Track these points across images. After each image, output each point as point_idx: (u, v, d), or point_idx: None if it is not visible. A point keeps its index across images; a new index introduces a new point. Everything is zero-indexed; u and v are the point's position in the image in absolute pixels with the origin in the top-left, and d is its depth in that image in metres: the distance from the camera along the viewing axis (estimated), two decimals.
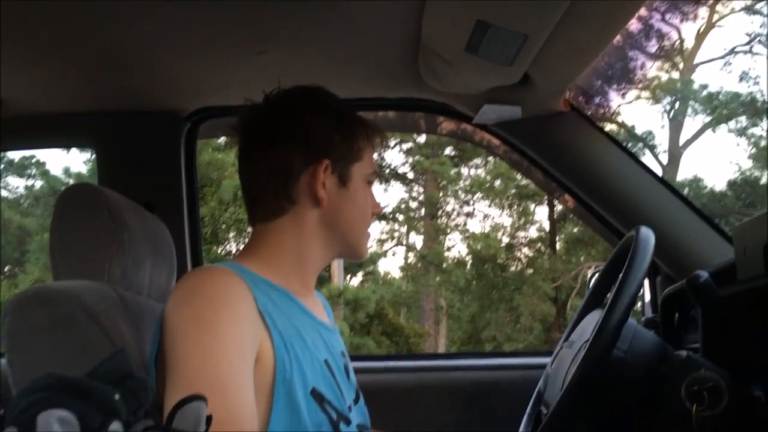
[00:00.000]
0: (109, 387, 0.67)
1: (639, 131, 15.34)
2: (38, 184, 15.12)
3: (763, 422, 1.04)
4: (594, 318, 1.22)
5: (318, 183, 1.15)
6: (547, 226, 14.83)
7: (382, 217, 15.07)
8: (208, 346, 0.95)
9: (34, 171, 15.23)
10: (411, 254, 16.37)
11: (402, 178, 15.22)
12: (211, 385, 0.87)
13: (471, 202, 14.96)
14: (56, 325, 1.04)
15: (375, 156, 1.27)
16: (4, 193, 15.55)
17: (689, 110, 15.05)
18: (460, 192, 14.90)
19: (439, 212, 14.87)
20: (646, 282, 1.82)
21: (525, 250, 15.15)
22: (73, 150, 14.18)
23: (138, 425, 0.68)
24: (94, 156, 2.14)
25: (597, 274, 1.49)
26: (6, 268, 14.01)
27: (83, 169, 13.85)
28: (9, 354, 1.04)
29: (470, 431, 1.79)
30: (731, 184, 14.77)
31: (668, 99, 15.02)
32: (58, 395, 0.62)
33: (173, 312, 1.02)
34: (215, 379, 0.91)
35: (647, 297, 1.85)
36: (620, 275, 1.09)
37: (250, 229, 1.25)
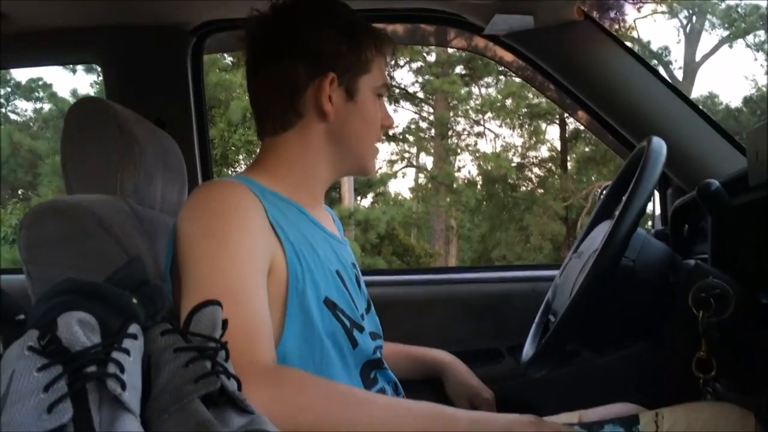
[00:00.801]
0: (126, 292, 0.68)
1: (654, 47, 15.00)
2: (46, 107, 15.06)
3: None
4: (603, 229, 1.23)
5: (323, 96, 1.14)
6: (558, 145, 14.72)
7: (392, 137, 14.98)
8: (219, 256, 0.96)
9: (41, 94, 15.15)
10: (421, 175, 16.37)
11: (412, 97, 15.04)
12: (223, 293, 0.88)
13: (482, 122, 14.82)
14: (71, 237, 1.05)
15: (385, 68, 1.24)
16: (13, 117, 15.53)
17: (706, 24, 14.65)
18: (470, 112, 14.74)
19: (450, 132, 14.75)
20: (657, 195, 1.82)
21: (536, 169, 15.10)
22: (80, 72, 14.06)
23: (156, 329, 0.70)
24: (101, 78, 2.12)
25: (607, 188, 1.49)
26: (19, 192, 14.13)
27: (90, 91, 13.76)
28: (26, 265, 1.06)
29: (480, 341, 1.83)
30: (747, 100, 14.53)
31: (685, 13, 14.60)
32: (78, 299, 0.63)
33: (185, 224, 1.03)
34: (226, 287, 0.93)
35: (657, 211, 1.84)
36: (631, 185, 1.09)
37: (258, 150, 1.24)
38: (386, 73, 1.23)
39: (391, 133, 15.10)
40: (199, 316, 0.72)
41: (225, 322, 0.72)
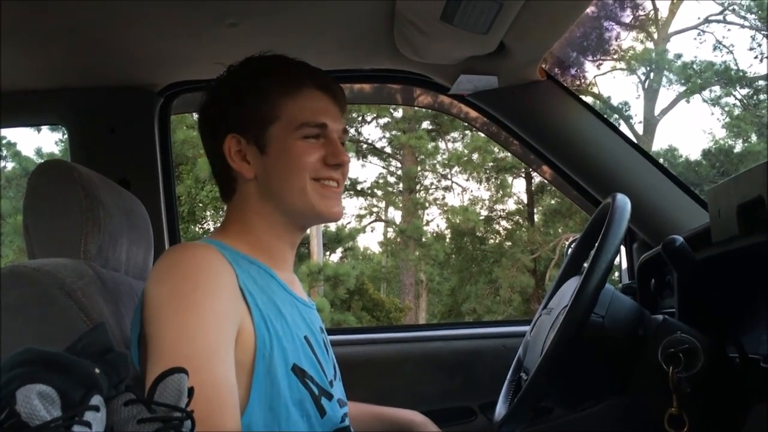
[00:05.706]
0: (88, 361, 0.66)
1: (615, 102, 15.44)
2: (10, 165, 14.85)
3: (738, 382, 1.07)
4: (572, 285, 1.24)
5: (232, 159, 1.15)
6: (524, 198, 14.91)
7: (360, 192, 15.03)
8: (184, 322, 0.94)
9: (5, 152, 14.95)
10: (390, 229, 16.40)
11: (379, 152, 15.18)
12: (187, 360, 0.85)
13: (449, 176, 14.98)
14: (33, 303, 1.02)
15: (316, 103, 1.17)
16: None
17: (664, 80, 15.15)
18: (437, 166, 14.91)
19: (418, 186, 14.87)
20: (623, 249, 1.84)
21: (503, 222, 15.23)
22: (45, 130, 13.95)
23: (119, 399, 0.68)
24: (66, 136, 2.10)
25: (574, 243, 1.51)
26: None
27: (55, 150, 13.64)
28: None
29: (452, 399, 1.80)
30: (706, 153, 14.93)
31: (643, 69, 15.09)
32: (38, 370, 0.61)
33: (152, 290, 1.01)
34: (191, 354, 0.90)
35: (624, 264, 1.87)
36: (597, 242, 1.10)
37: None
38: (319, 107, 1.17)
39: (359, 187, 15.19)
40: (165, 385, 0.70)
41: (191, 391, 0.70)
